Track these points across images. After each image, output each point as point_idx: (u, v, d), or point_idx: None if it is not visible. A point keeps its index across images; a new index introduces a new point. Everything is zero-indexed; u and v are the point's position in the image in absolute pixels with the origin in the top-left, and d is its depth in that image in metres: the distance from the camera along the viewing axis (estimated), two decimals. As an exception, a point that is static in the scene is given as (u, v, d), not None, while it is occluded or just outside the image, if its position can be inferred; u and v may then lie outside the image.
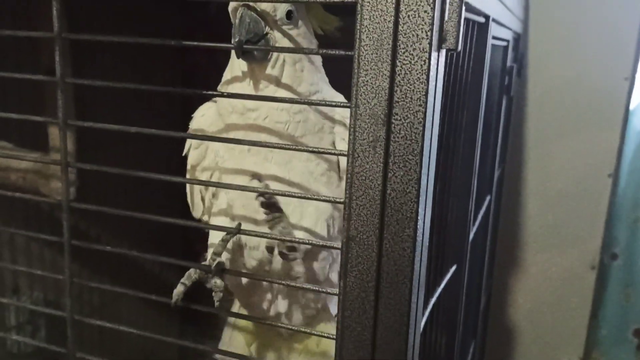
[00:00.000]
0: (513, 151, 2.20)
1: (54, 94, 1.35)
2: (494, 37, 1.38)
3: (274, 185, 1.08)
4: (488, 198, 1.78)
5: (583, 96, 2.10)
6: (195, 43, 0.89)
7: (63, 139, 0.90)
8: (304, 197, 0.98)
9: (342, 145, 1.10)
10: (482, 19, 1.18)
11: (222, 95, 0.99)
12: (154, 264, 2.40)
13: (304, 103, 0.99)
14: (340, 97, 1.14)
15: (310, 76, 1.07)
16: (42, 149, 1.47)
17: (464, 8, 0.75)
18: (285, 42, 1.03)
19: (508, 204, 2.24)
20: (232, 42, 0.95)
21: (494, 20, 1.29)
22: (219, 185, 1.13)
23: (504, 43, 1.68)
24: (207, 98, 1.17)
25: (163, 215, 0.96)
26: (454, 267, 1.27)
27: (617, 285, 2.28)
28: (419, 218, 0.77)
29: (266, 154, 1.08)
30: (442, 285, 1.18)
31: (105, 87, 0.91)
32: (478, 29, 1.20)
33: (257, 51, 0.99)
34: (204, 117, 1.18)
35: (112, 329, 1.07)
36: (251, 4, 0.96)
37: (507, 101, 1.89)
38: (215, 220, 1.18)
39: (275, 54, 1.01)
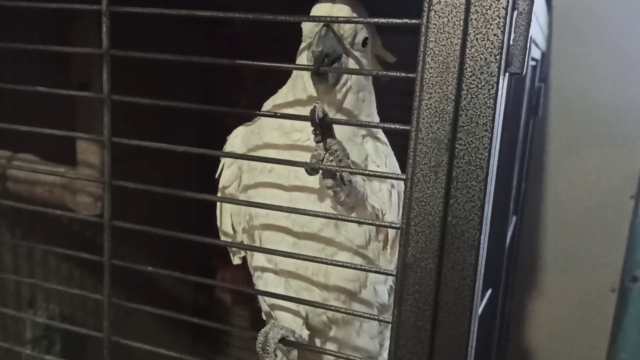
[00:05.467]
0: (533, 171, 2.18)
1: (87, 109, 1.35)
2: (530, 58, 1.37)
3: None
4: (514, 218, 1.76)
5: (605, 116, 2.08)
6: (267, 64, 0.86)
7: (107, 157, 0.87)
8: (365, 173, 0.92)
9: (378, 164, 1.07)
10: (524, 40, 1.17)
11: (271, 115, 0.96)
12: (167, 279, 2.37)
13: (359, 125, 0.97)
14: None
15: (368, 107, 1.05)
16: (67, 161, 1.45)
17: (531, 33, 0.73)
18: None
19: (527, 224, 2.22)
20: (310, 59, 0.92)
21: (532, 40, 1.28)
22: (254, 205, 1.08)
23: (534, 63, 1.66)
24: (229, 115, 1.14)
25: (179, 226, 0.94)
26: (489, 292, 1.24)
27: (638, 308, 2.25)
28: (480, 246, 0.74)
29: (298, 176, 1.03)
30: (480, 311, 1.16)
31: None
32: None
33: (330, 74, 0.95)
34: (236, 138, 1.16)
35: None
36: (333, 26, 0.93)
37: (534, 122, 1.87)
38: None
39: (342, 80, 0.98)
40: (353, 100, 1.01)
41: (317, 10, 0.97)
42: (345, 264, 0.88)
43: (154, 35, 1.62)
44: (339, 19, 0.83)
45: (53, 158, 1.46)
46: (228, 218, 1.19)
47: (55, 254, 1.82)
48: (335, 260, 0.91)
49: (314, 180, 1.01)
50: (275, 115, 0.94)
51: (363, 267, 0.93)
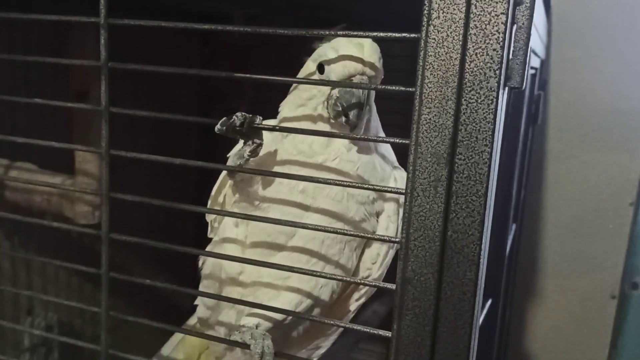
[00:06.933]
0: (532, 177, 2.17)
1: (84, 117, 1.34)
2: (529, 67, 1.36)
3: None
4: (514, 226, 1.75)
5: (604, 123, 2.08)
6: (279, 78, 0.85)
7: (105, 169, 0.87)
8: (355, 235, 0.91)
9: (388, 227, 1.05)
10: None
11: (273, 128, 0.95)
12: (167, 282, 2.36)
13: (362, 139, 0.95)
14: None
15: (374, 125, 1.03)
16: (65, 170, 1.44)
17: (530, 45, 0.73)
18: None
19: (526, 231, 2.21)
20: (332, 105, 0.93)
21: (531, 50, 1.27)
22: (241, 216, 1.07)
23: (533, 71, 1.66)
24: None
25: (180, 223, 0.93)
26: (489, 302, 1.24)
27: (638, 315, 2.24)
28: (480, 261, 0.74)
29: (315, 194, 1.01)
30: (480, 322, 1.15)
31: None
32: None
33: (353, 118, 0.95)
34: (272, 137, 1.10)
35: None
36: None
37: (533, 130, 1.87)
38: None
39: (365, 117, 0.97)
40: (366, 122, 0.99)
41: (345, 49, 0.95)
42: (344, 278, 0.88)
43: (151, 42, 1.62)
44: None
45: (52, 166, 1.45)
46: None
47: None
48: (318, 271, 0.90)
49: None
50: (274, 129, 0.93)
51: (363, 281, 0.92)
